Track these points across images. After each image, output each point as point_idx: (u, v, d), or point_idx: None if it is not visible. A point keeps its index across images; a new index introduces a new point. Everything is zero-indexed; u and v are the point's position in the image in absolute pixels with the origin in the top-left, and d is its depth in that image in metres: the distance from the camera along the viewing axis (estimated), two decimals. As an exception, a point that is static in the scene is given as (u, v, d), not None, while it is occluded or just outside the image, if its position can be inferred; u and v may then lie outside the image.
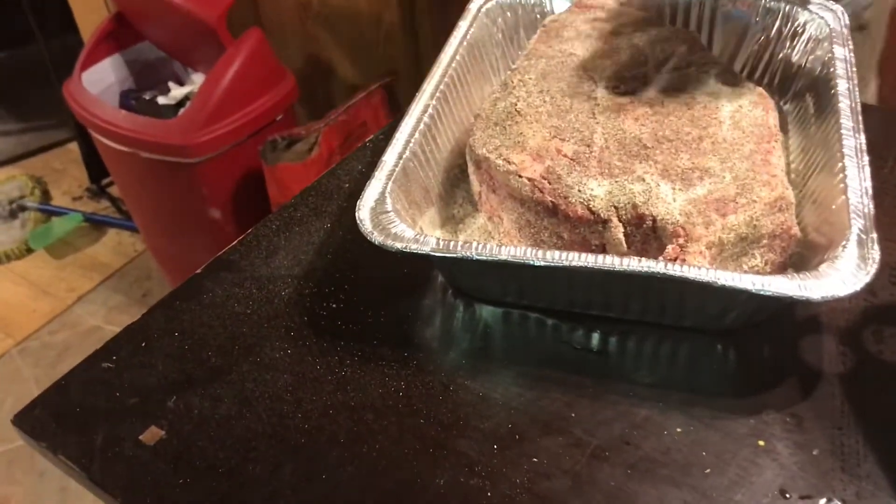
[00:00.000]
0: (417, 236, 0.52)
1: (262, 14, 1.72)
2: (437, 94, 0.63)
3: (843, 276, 0.47)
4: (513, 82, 0.63)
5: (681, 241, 0.51)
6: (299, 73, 1.71)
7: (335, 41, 1.67)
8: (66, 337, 1.87)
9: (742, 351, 0.54)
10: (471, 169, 0.62)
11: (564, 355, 0.54)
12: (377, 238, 0.52)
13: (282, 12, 1.69)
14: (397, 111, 1.62)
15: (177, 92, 1.59)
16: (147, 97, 1.61)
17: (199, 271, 0.62)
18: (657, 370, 0.53)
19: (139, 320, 0.59)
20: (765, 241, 0.53)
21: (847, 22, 0.67)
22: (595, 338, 0.55)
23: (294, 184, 1.48)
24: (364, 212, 0.54)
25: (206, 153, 1.49)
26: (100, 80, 1.59)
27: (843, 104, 0.59)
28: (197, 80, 1.61)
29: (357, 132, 1.58)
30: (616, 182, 0.53)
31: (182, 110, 1.51)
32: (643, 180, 0.53)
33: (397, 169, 0.57)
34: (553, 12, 0.74)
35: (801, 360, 0.53)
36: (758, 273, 0.53)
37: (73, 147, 2.20)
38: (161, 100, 1.60)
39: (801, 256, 0.55)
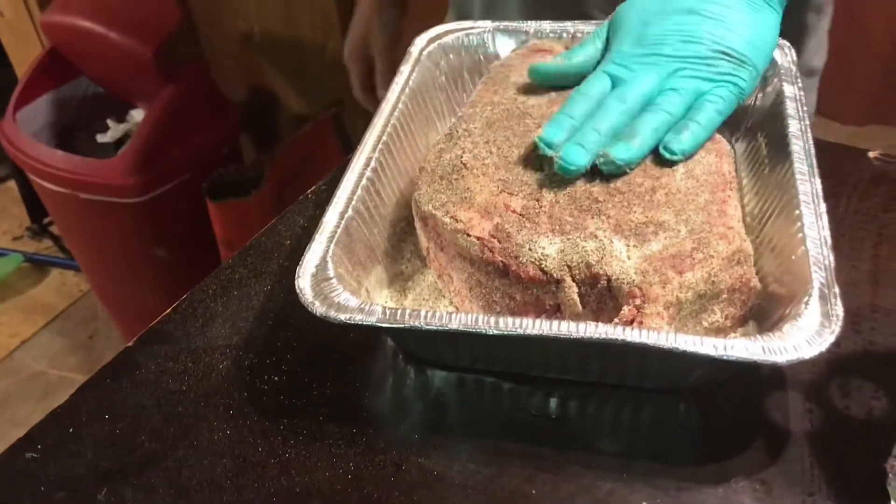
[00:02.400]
0: (363, 305, 0.49)
1: (202, 46, 1.68)
2: (380, 146, 0.61)
3: (807, 335, 0.45)
4: (458, 132, 0.60)
5: (637, 301, 0.48)
6: (243, 105, 1.67)
7: (279, 71, 1.63)
8: (9, 384, 1.80)
9: (706, 411, 0.51)
10: (418, 225, 0.59)
11: (522, 423, 0.51)
12: (319, 309, 0.49)
13: (223, 43, 1.65)
14: (346, 140, 1.59)
15: (116, 129, 1.54)
16: (85, 135, 1.56)
17: (130, 344, 0.58)
18: (619, 437, 0.50)
19: (66, 402, 0.55)
20: (724, 296, 0.50)
21: (795, 58, 0.66)
22: (553, 403, 0.52)
23: (241, 220, 1.44)
24: (304, 280, 0.51)
25: (148, 192, 1.45)
26: (35, 119, 1.54)
27: (797, 146, 0.57)
28: (136, 116, 1.56)
29: (305, 164, 1.55)
30: (568, 239, 0.51)
31: (122, 148, 1.47)
32: (596, 237, 0.51)
33: (339, 230, 0.54)
34: (496, 53, 0.72)
35: (767, 420, 0.50)
36: (718, 329, 0.52)
37: (12, 185, 2.13)
38: (100, 137, 1.55)
39: (761, 308, 0.53)
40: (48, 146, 1.45)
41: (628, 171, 0.54)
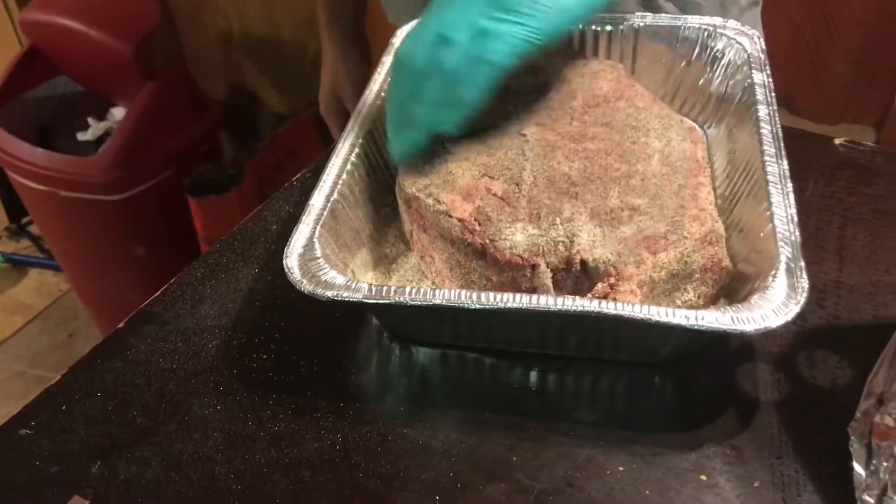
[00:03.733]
0: (349, 283, 0.51)
1: (183, 44, 1.68)
2: (364, 133, 0.62)
3: (774, 306, 0.47)
4: (440, 119, 0.62)
5: (611, 280, 0.50)
6: (223, 104, 1.67)
7: (259, 70, 1.64)
8: (-12, 384, 1.79)
9: (680, 382, 0.54)
10: (401, 207, 0.60)
11: (504, 396, 0.53)
12: (306, 287, 0.51)
13: (203, 42, 1.65)
14: (327, 139, 1.60)
15: (96, 127, 1.54)
16: (65, 133, 1.56)
17: (121, 325, 0.59)
18: (597, 407, 0.52)
19: (59, 381, 0.56)
20: (696, 276, 0.53)
21: (763, 46, 0.68)
22: (533, 376, 0.54)
23: (222, 217, 1.45)
24: (292, 259, 0.52)
25: (129, 190, 1.45)
26: (15, 117, 1.54)
27: (765, 130, 0.59)
28: (117, 114, 1.57)
29: (286, 162, 1.56)
30: (545, 224, 0.53)
31: (102, 146, 1.47)
32: (572, 221, 0.52)
33: (325, 212, 0.56)
34: (477, 45, 0.74)
35: (738, 390, 0.53)
36: (691, 307, 0.54)
37: (-10, 185, 2.11)
38: (80, 135, 1.55)
39: (731, 287, 0.55)
40: (28, 144, 1.45)
41: None
